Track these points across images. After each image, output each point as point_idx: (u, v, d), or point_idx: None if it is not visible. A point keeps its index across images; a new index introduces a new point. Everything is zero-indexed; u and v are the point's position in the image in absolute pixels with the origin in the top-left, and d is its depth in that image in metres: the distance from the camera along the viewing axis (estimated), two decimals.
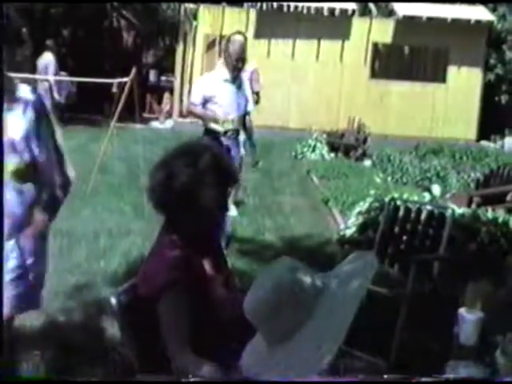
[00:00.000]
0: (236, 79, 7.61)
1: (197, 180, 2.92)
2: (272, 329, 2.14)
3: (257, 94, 8.08)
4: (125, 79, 10.27)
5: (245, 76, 8.39)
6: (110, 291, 3.56)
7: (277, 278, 2.18)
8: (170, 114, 20.27)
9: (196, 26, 19.86)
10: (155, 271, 2.93)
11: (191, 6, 20.61)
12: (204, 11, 19.63)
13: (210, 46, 20.72)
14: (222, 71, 7.61)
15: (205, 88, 7.50)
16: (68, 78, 17.36)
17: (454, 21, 19.39)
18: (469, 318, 3.01)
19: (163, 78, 23.86)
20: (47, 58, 15.53)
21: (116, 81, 14.24)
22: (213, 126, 7.36)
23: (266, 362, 2.16)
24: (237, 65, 7.52)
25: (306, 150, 15.06)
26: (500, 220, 7.79)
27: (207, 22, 19.58)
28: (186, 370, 2.77)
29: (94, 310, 5.45)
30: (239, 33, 8.41)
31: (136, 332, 3.00)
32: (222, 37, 20.26)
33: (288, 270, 2.22)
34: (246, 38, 8.02)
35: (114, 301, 3.01)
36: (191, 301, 2.87)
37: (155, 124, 19.60)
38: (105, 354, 4.63)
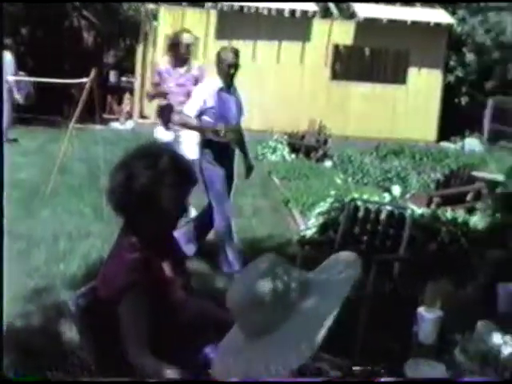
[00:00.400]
0: (230, 87, 7.42)
1: (156, 182, 2.90)
2: (252, 322, 2.13)
3: None
4: (85, 80, 10.18)
5: (193, 74, 8.39)
6: (69, 294, 3.52)
7: (261, 273, 2.16)
8: (130, 115, 20.17)
9: (156, 27, 19.79)
10: (114, 274, 2.91)
11: (152, 6, 20.53)
12: (164, 12, 19.56)
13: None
14: (215, 80, 7.30)
15: (200, 99, 7.14)
16: (27, 78, 17.17)
17: (414, 23, 19.55)
18: (428, 316, 3.01)
19: (124, 78, 23.73)
20: (5, 58, 15.38)
21: (76, 81, 14.13)
22: (212, 136, 7.03)
23: (243, 355, 2.14)
24: (230, 72, 7.31)
25: (266, 151, 15.07)
26: (460, 220, 7.85)
27: (168, 22, 19.49)
28: (145, 371, 2.75)
29: (53, 314, 5.39)
30: (186, 31, 8.65)
31: (95, 335, 2.97)
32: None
33: (272, 266, 2.20)
34: (195, 37, 8.24)
35: (72, 304, 2.99)
36: (150, 303, 2.85)
37: (115, 125, 19.48)
38: (64, 358, 4.58)
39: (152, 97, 8.96)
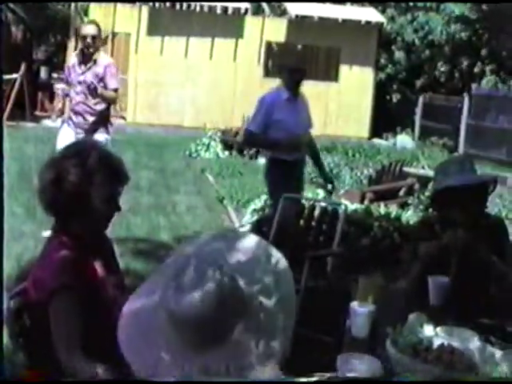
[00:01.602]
0: (296, 96, 6.54)
1: (85, 180, 2.87)
2: (204, 333, 2.02)
3: (115, 91, 7.54)
4: (14, 75, 10.01)
5: (98, 71, 7.55)
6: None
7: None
8: (62, 112, 19.87)
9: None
10: (45, 275, 2.87)
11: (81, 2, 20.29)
12: (95, 7, 19.35)
13: (102, 42, 20.46)
14: (280, 90, 6.55)
15: (265, 112, 6.37)
16: None
17: (345, 21, 19.74)
18: (360, 311, 3.04)
19: (55, 75, 23.36)
20: None
21: (5, 77, 13.87)
22: (283, 153, 6.32)
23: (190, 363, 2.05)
24: (296, 79, 6.48)
25: (200, 148, 15.02)
26: (392, 215, 7.96)
27: (98, 18, 19.24)
28: (76, 373, 2.71)
29: None
30: (92, 22, 8.00)
31: (26, 338, 2.92)
32: (114, 34, 20.07)
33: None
34: (99, 29, 7.60)
35: (4, 306, 2.94)
36: (82, 303, 2.81)
37: (47, 122, 19.18)
38: None
39: (66, 95, 8.20)
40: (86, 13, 19.76)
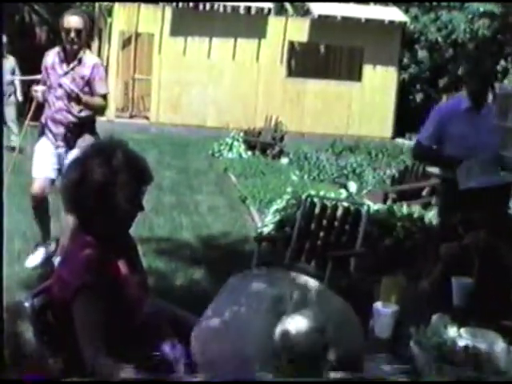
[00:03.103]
0: (481, 106, 5.54)
1: (110, 179, 2.88)
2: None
3: (103, 96, 6.34)
4: (38, 76, 10.03)
5: (83, 72, 6.29)
6: (25, 295, 3.48)
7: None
8: (31, 119, 19.89)
9: (111, 23, 19.64)
10: (69, 273, 2.88)
11: (106, 2, 20.38)
12: (119, 8, 19.41)
13: (125, 43, 20.54)
14: (460, 98, 5.65)
15: (438, 124, 5.50)
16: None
17: (368, 21, 19.66)
18: (383, 311, 3.03)
19: None
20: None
21: (29, 78, 13.94)
22: (457, 176, 4.99)
23: None
24: (482, 85, 5.57)
25: (223, 148, 15.05)
26: (415, 215, 7.92)
27: (122, 18, 19.37)
28: (101, 372, 2.72)
29: (9, 315, 5.29)
30: (76, 12, 6.46)
31: (51, 335, 2.93)
32: (137, 34, 20.14)
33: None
34: (86, 21, 6.29)
35: (27, 304, 2.95)
36: (105, 302, 2.82)
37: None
38: (21, 359, 4.51)
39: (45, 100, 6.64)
40: (109, 13, 19.85)
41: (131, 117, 20.16)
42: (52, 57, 6.38)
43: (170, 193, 10.46)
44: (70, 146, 6.34)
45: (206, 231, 8.42)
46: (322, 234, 6.20)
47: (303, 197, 6.69)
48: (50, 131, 6.40)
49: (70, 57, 6.28)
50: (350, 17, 19.61)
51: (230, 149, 15.06)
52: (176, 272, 6.72)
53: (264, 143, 15.69)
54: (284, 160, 14.51)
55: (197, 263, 6.98)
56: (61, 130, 6.38)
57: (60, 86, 6.26)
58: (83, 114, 6.35)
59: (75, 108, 6.31)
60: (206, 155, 14.79)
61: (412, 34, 21.67)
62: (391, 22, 19.92)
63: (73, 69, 6.28)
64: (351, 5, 21.19)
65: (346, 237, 6.11)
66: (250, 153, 15.11)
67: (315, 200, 6.42)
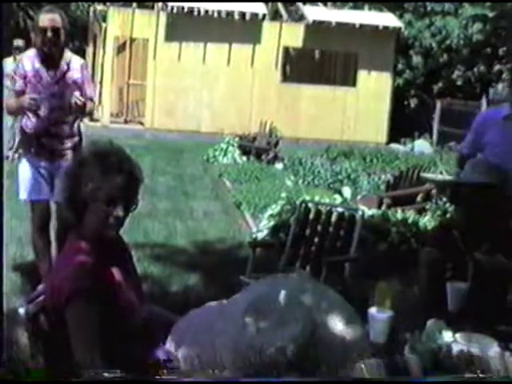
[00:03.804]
0: None
1: (102, 184, 2.89)
2: None
3: (91, 100, 5.77)
4: None
5: (74, 77, 5.63)
6: (19, 301, 3.48)
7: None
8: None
9: (105, 28, 19.65)
10: (62, 279, 2.87)
11: (100, 7, 20.40)
12: (113, 13, 19.43)
13: (120, 48, 20.56)
14: (503, 106, 5.28)
15: (475, 133, 5.21)
16: None
17: (363, 26, 19.71)
18: (378, 316, 3.04)
19: None
20: None
21: None
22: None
23: None
24: None
25: (217, 153, 15.04)
26: (410, 221, 7.93)
27: (116, 24, 19.38)
28: (95, 376, 2.72)
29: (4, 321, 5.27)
30: (52, 10, 5.56)
31: (44, 341, 2.93)
32: (132, 39, 20.15)
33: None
34: (63, 18, 5.56)
35: (21, 311, 2.95)
36: (99, 308, 2.82)
37: None
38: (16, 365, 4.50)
39: (13, 112, 5.92)
40: (104, 19, 19.86)
41: (126, 122, 20.18)
42: (30, 62, 5.60)
43: (164, 198, 10.45)
44: (64, 159, 5.62)
45: (200, 237, 8.41)
46: (316, 239, 6.20)
47: (298, 202, 6.69)
48: (43, 146, 5.61)
49: (55, 60, 5.58)
50: (344, 22, 19.66)
51: (225, 154, 15.05)
52: (171, 277, 6.71)
53: (259, 148, 15.68)
54: (279, 165, 14.51)
55: (192, 269, 6.97)
56: (56, 143, 5.64)
57: (53, 95, 5.56)
58: (77, 123, 5.78)
59: (70, 118, 5.68)
60: (201, 161, 14.79)
61: (406, 39, 21.75)
62: (385, 28, 19.98)
63: (64, 74, 5.60)
64: (345, 10, 21.27)
65: (340, 242, 6.11)
66: (244, 158, 15.10)
67: (310, 205, 6.41)
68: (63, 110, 5.59)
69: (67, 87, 5.59)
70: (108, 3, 19.91)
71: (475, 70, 22.01)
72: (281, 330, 2.56)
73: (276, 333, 2.55)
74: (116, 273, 2.99)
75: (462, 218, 3.84)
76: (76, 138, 5.75)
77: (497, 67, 21.16)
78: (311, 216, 6.30)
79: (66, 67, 5.61)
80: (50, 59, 5.57)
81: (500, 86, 20.63)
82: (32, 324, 2.95)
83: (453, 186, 4.65)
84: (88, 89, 5.72)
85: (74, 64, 5.65)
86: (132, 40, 20.39)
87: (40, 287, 3.06)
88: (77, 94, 5.53)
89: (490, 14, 20.62)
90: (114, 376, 2.73)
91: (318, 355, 2.47)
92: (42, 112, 5.55)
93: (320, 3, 21.58)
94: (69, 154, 5.63)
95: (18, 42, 14.46)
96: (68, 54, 5.66)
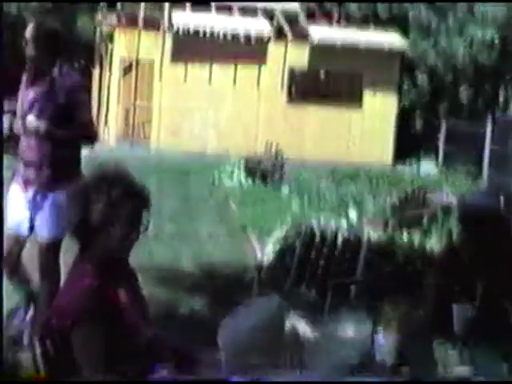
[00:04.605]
0: None
1: (110, 208, 2.90)
2: None
3: (86, 126, 4.99)
4: None
5: (59, 96, 4.85)
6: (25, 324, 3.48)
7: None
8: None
9: (112, 49, 19.73)
10: (68, 302, 2.89)
11: (107, 28, 20.48)
12: (120, 33, 19.50)
13: (126, 69, 20.63)
14: None
15: None
16: None
17: (368, 46, 19.74)
18: (385, 338, 3.04)
19: None
20: None
21: None
22: None
23: None
24: None
25: (223, 175, 15.04)
26: (416, 242, 7.92)
27: (123, 44, 19.45)
28: (94, 377, 2.74)
29: (8, 343, 5.25)
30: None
31: (50, 364, 2.92)
32: (138, 61, 20.23)
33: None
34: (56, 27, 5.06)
35: (26, 332, 2.95)
36: (104, 331, 2.83)
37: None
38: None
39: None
40: (110, 39, 19.94)
41: (132, 143, 20.21)
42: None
43: (170, 221, 10.44)
44: (45, 192, 4.92)
45: (206, 259, 8.40)
46: (322, 262, 6.18)
47: (303, 225, 6.68)
48: (21, 175, 4.95)
49: (38, 78, 4.92)
50: (349, 43, 19.71)
51: (231, 176, 15.06)
52: (176, 300, 6.70)
53: (264, 170, 15.68)
54: (284, 188, 14.50)
55: (197, 291, 6.96)
56: (31, 172, 4.92)
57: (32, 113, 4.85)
58: (61, 151, 4.90)
59: (49, 145, 4.88)
60: (207, 183, 14.78)
61: (411, 59, 21.76)
62: (390, 48, 20.02)
63: (44, 94, 4.88)
64: (350, 30, 21.33)
65: (346, 265, 6.10)
66: (250, 180, 15.10)
67: (315, 228, 6.41)
68: (37, 136, 4.85)
69: (44, 111, 4.85)
70: (115, 24, 19.95)
71: (480, 89, 22.02)
72: None
73: None
74: (122, 295, 3.00)
75: (468, 240, 3.83)
76: (62, 168, 4.92)
77: (503, 90, 21.18)
78: (317, 239, 6.29)
79: (48, 85, 4.87)
80: (34, 76, 4.95)
81: (506, 106, 20.62)
82: (38, 347, 2.95)
83: (459, 208, 4.66)
84: (77, 112, 4.89)
85: (60, 82, 4.87)
86: (138, 61, 20.45)
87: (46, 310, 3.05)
88: (30, 117, 4.83)
89: (496, 38, 20.66)
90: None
91: None
92: (22, 135, 4.91)
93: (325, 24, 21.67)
94: (53, 186, 4.88)
95: None
96: (57, 70, 4.88)
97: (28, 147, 4.87)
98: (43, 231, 4.95)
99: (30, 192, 4.90)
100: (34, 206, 4.94)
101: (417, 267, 7.34)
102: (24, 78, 5.01)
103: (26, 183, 4.90)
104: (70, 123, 4.86)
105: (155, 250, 8.53)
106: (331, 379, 2.76)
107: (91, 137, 5.12)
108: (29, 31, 4.92)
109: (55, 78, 4.87)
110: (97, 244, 2.94)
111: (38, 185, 4.90)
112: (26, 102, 4.91)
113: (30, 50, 4.88)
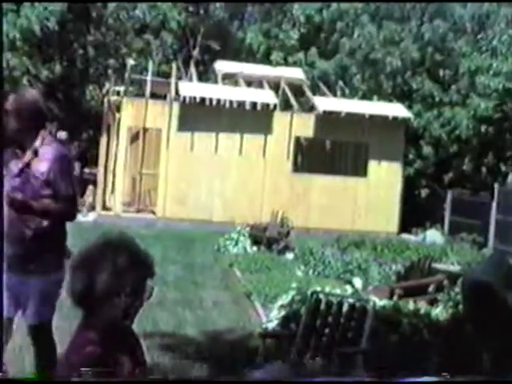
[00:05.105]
0: None
1: (115, 277, 2.91)
2: None
3: (69, 199, 4.89)
4: None
5: (39, 169, 4.75)
6: None
7: None
8: (92, 207, 20.09)
9: (119, 119, 19.93)
10: (70, 369, 2.86)
11: (114, 97, 20.71)
12: (127, 103, 19.71)
13: (133, 138, 20.83)
14: None
15: None
16: None
17: (372, 117, 19.90)
18: None
19: (86, 170, 23.73)
20: None
21: None
22: None
23: None
24: None
25: (228, 243, 15.04)
26: (422, 312, 7.86)
27: (130, 114, 19.64)
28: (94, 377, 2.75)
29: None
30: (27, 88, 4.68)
31: None
32: (145, 129, 20.42)
33: None
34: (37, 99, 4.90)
35: None
36: None
37: (78, 216, 19.31)
38: None
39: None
40: (118, 109, 20.15)
41: (138, 211, 20.25)
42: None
43: (174, 288, 10.42)
44: (28, 272, 4.73)
45: (210, 327, 8.36)
46: (327, 330, 6.15)
47: (308, 293, 6.66)
48: (4, 253, 4.19)
49: (21, 148, 4.81)
50: (354, 113, 19.88)
51: (236, 244, 15.05)
52: (180, 368, 6.64)
53: (270, 238, 15.69)
54: (289, 255, 14.48)
55: (201, 359, 6.91)
56: (15, 249, 4.61)
57: (13, 190, 4.68)
58: (44, 225, 4.78)
59: (33, 219, 4.72)
60: (212, 250, 14.78)
61: (416, 129, 21.94)
62: (395, 118, 20.17)
63: (28, 165, 4.76)
64: (355, 101, 21.54)
65: (351, 333, 6.06)
66: (255, 248, 15.10)
67: (320, 296, 6.38)
68: (23, 210, 4.67)
69: (25, 182, 4.73)
70: (122, 94, 20.21)
71: (485, 160, 22.16)
72: None
73: None
74: (125, 362, 2.99)
75: (471, 312, 3.80)
76: (45, 245, 4.75)
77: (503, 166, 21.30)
78: (322, 307, 6.27)
79: (30, 157, 4.75)
80: (18, 147, 4.80)
81: (509, 178, 20.69)
82: None
83: (464, 279, 4.65)
84: (61, 185, 4.74)
85: (44, 152, 4.75)
86: (145, 130, 20.64)
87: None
88: (7, 188, 4.58)
89: (496, 115, 20.87)
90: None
91: None
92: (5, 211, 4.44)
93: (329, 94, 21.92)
94: (37, 265, 4.73)
95: (61, 135, 13.80)
96: (39, 142, 4.77)
97: (10, 222, 4.42)
98: (29, 316, 4.85)
99: (14, 270, 4.52)
100: (19, 285, 4.72)
101: (423, 336, 7.29)
102: (5, 148, 4.68)
103: (10, 260, 4.29)
104: (51, 196, 4.75)
105: (159, 316, 8.50)
106: None
107: (68, 213, 4.96)
108: (9, 103, 4.70)
109: (37, 149, 4.76)
110: (101, 312, 2.94)
111: (20, 263, 4.66)
112: (8, 173, 4.70)
113: (11, 123, 4.67)
